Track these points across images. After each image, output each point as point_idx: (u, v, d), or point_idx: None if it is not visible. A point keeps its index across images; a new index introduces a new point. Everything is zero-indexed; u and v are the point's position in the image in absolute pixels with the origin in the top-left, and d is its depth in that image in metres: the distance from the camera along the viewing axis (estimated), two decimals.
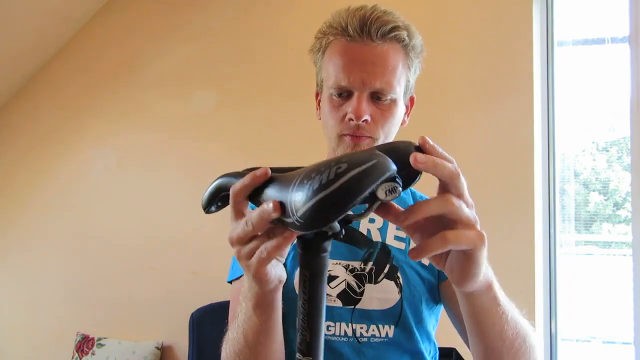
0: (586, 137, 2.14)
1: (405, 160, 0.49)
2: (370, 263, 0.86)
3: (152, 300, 2.34)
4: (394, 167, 0.47)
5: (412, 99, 0.94)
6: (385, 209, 0.52)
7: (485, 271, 0.57)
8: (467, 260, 0.53)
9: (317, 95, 0.94)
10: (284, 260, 0.60)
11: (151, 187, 2.41)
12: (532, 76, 1.95)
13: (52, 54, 2.63)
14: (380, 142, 0.84)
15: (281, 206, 0.48)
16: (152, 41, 2.52)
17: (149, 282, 2.36)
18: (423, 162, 0.49)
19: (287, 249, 0.54)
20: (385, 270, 0.86)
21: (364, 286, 0.85)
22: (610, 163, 2.15)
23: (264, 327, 0.66)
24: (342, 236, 0.52)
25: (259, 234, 0.52)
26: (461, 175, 0.52)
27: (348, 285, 0.85)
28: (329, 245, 0.51)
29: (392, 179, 0.47)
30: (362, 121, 0.81)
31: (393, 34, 0.81)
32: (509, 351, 0.67)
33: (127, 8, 2.57)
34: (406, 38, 0.82)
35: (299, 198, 0.45)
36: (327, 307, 0.84)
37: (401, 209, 0.51)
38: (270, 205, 0.48)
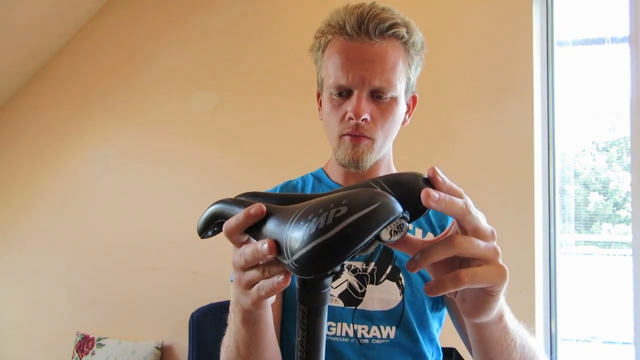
0: (586, 137, 2.14)
1: (414, 197, 0.46)
2: (373, 263, 0.86)
3: (152, 300, 2.34)
4: (399, 208, 0.43)
5: (414, 98, 0.93)
6: (397, 243, 0.49)
7: (500, 304, 0.53)
8: (484, 295, 0.50)
9: (318, 95, 0.93)
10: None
11: (151, 187, 2.41)
12: (532, 76, 1.95)
13: (52, 54, 2.63)
14: (378, 143, 0.84)
15: (277, 245, 0.44)
16: (152, 41, 2.51)
17: (149, 282, 2.36)
18: (436, 200, 0.45)
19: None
20: (388, 271, 0.86)
21: (365, 287, 0.85)
22: (610, 163, 2.15)
23: (253, 339, 0.66)
24: (341, 274, 0.49)
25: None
26: (472, 209, 0.48)
27: (350, 285, 0.85)
28: (330, 281, 0.47)
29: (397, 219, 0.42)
30: (362, 120, 0.80)
31: (392, 31, 0.80)
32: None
33: (127, 8, 2.57)
34: (405, 35, 0.81)
35: (295, 239, 0.41)
36: (329, 307, 0.83)
37: (414, 240, 0.48)
38: (265, 246, 0.45)
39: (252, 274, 0.51)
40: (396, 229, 0.43)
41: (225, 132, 2.34)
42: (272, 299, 0.59)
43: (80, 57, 2.61)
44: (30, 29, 2.39)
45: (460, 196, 0.49)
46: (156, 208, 2.39)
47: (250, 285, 0.53)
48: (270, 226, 0.46)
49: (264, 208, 0.47)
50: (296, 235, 0.41)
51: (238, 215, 0.49)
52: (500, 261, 0.49)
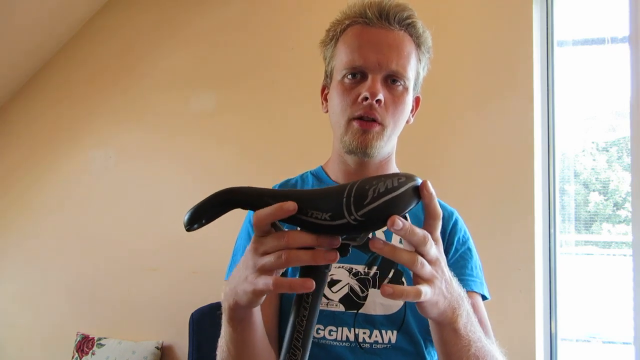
0: (586, 137, 2.14)
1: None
2: (375, 267, 0.85)
3: (152, 300, 2.34)
4: None
5: (418, 99, 0.94)
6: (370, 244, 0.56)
7: (445, 309, 0.61)
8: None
9: (323, 89, 0.94)
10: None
11: (151, 187, 2.41)
12: (532, 76, 1.94)
13: (51, 54, 2.63)
14: (387, 131, 0.84)
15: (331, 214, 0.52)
16: (152, 41, 2.51)
17: (149, 282, 2.36)
18: (399, 229, 0.52)
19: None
20: (390, 275, 0.85)
21: (367, 291, 0.84)
22: (610, 163, 2.15)
23: (240, 339, 0.67)
24: (349, 254, 0.56)
25: (280, 253, 0.54)
26: (428, 241, 0.56)
27: (351, 289, 0.84)
28: (331, 265, 0.56)
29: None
30: (376, 101, 0.81)
31: (409, 21, 0.84)
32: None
33: (126, 8, 2.57)
34: (420, 28, 0.86)
35: (361, 198, 0.51)
36: (329, 312, 0.83)
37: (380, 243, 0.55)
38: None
39: (270, 259, 0.55)
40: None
41: (225, 132, 2.34)
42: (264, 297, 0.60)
43: (80, 57, 2.61)
44: (30, 29, 2.39)
45: (437, 217, 0.58)
46: (156, 208, 2.39)
47: (263, 269, 0.56)
48: (313, 203, 0.54)
49: (296, 207, 0.54)
50: (361, 197, 0.51)
51: (270, 207, 0.54)
52: (436, 284, 0.58)
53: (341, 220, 0.51)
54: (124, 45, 2.55)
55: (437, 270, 0.58)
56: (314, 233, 0.54)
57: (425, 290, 0.56)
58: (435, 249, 0.58)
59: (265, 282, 0.55)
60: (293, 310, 0.56)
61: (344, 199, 0.52)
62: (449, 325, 0.63)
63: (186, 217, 0.57)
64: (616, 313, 2.02)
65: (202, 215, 0.57)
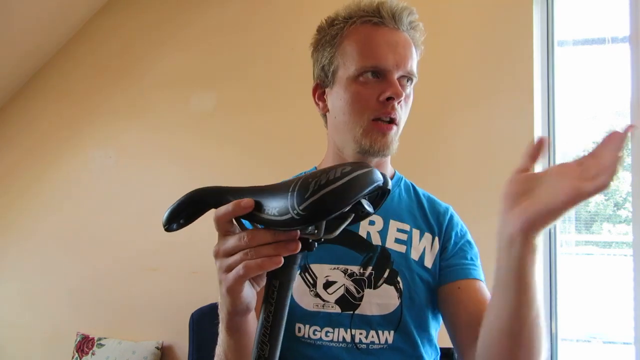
0: (586, 137, 2.14)
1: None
2: (370, 267, 0.85)
3: (152, 300, 2.34)
4: (382, 177, 0.54)
5: None
6: None
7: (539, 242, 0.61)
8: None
9: (315, 90, 0.92)
10: (259, 289, 0.61)
11: (151, 187, 2.41)
12: (532, 76, 1.94)
13: (51, 55, 2.62)
14: (400, 129, 0.86)
15: (278, 210, 0.52)
16: (151, 41, 2.51)
17: (149, 282, 2.36)
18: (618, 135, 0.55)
19: (260, 274, 0.56)
20: (385, 275, 0.84)
21: (363, 291, 0.83)
22: None
23: (237, 346, 0.68)
24: (314, 249, 0.55)
25: (246, 250, 0.54)
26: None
27: (347, 290, 0.83)
28: (299, 258, 0.56)
29: (373, 193, 0.54)
30: (398, 101, 0.82)
31: (415, 24, 0.86)
32: (531, 325, 0.64)
33: (126, 8, 2.57)
34: (420, 31, 0.87)
35: (302, 192, 0.50)
36: (325, 313, 0.83)
37: None
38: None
39: (236, 256, 0.55)
40: (369, 203, 0.54)
41: (225, 132, 2.34)
42: (251, 303, 0.60)
43: (80, 57, 2.61)
44: (29, 29, 2.39)
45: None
46: (156, 208, 2.37)
47: (230, 268, 0.56)
48: (266, 200, 0.53)
49: (253, 203, 0.54)
50: (303, 190, 0.50)
51: (228, 205, 0.55)
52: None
53: (287, 215, 0.51)
54: (124, 45, 2.55)
55: None
56: (271, 229, 0.54)
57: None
58: None
59: (234, 274, 0.55)
60: (262, 307, 0.56)
61: (289, 193, 0.51)
62: (534, 254, 0.61)
63: (164, 218, 0.59)
64: (616, 313, 2.01)
65: (178, 215, 0.59)
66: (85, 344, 2.31)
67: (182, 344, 2.22)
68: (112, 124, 2.52)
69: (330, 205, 0.49)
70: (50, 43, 2.57)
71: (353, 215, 0.56)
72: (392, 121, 0.82)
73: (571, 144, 2.08)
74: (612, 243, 2.12)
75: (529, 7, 1.97)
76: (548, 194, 0.56)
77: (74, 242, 2.50)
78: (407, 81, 0.85)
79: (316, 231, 0.55)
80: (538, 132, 1.96)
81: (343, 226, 0.56)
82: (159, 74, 2.47)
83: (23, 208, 2.61)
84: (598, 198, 2.13)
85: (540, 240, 0.61)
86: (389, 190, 0.57)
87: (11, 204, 2.63)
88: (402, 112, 0.84)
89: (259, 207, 0.54)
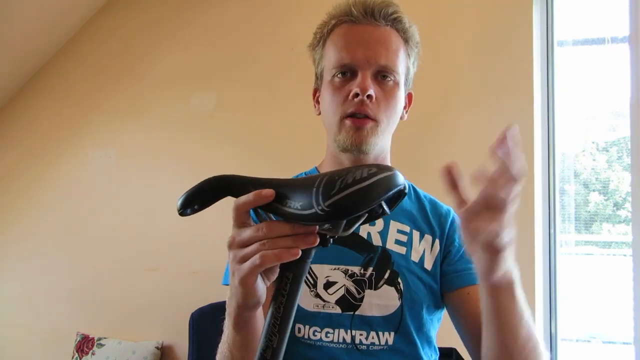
0: (586, 137, 2.14)
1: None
2: (371, 268, 0.84)
3: (152, 300, 2.34)
4: (404, 181, 0.56)
5: (410, 96, 0.94)
6: None
7: (510, 268, 0.62)
8: (491, 253, 0.60)
9: (314, 92, 0.94)
10: (269, 284, 0.60)
11: (152, 187, 2.41)
12: (532, 76, 1.94)
13: (52, 55, 2.62)
14: (382, 127, 0.84)
15: (302, 203, 0.53)
16: (151, 41, 2.51)
17: (149, 282, 2.36)
18: (507, 147, 0.56)
19: (274, 266, 0.56)
20: (386, 276, 0.84)
21: (363, 292, 0.83)
22: (610, 163, 2.15)
23: (243, 342, 0.67)
24: (330, 244, 0.56)
25: (263, 242, 0.54)
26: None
27: (347, 290, 0.83)
28: (313, 253, 0.57)
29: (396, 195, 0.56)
30: (367, 96, 0.80)
31: (395, 16, 0.84)
32: (521, 352, 0.68)
33: (126, 8, 2.57)
34: (406, 23, 0.86)
35: (329, 188, 0.51)
36: (326, 314, 0.82)
37: None
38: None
39: (252, 247, 0.55)
40: (390, 203, 0.56)
41: (225, 132, 2.34)
42: (262, 296, 0.59)
43: (80, 57, 2.61)
44: (29, 29, 2.39)
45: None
46: (156, 208, 2.39)
47: (245, 258, 0.55)
48: (288, 193, 0.54)
49: (274, 194, 0.54)
50: (329, 187, 0.51)
51: (249, 195, 0.55)
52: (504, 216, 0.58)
53: (310, 210, 0.51)
54: (124, 45, 2.55)
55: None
56: (289, 222, 0.54)
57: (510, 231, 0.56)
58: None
59: (250, 264, 0.54)
60: (272, 299, 0.56)
61: (314, 189, 0.52)
62: (508, 289, 0.64)
63: (179, 202, 0.59)
64: (616, 313, 2.01)
65: (195, 200, 0.59)
66: (85, 344, 2.31)
67: (182, 344, 2.22)
68: (112, 124, 2.52)
69: (355, 204, 0.50)
70: (50, 43, 2.57)
71: (367, 214, 0.57)
72: (367, 116, 0.82)
73: (571, 144, 2.08)
74: (611, 243, 2.12)
75: (528, 7, 1.98)
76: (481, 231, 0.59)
77: (74, 242, 2.50)
78: (385, 77, 0.83)
79: (333, 228, 0.56)
80: (538, 132, 1.97)
81: (358, 224, 0.57)
82: (159, 73, 2.47)
83: (23, 208, 2.61)
84: (598, 198, 2.13)
85: (510, 275, 0.64)
86: (406, 193, 0.58)
87: (11, 204, 2.63)
88: (380, 109, 0.83)
89: (279, 199, 0.54)
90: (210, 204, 0.59)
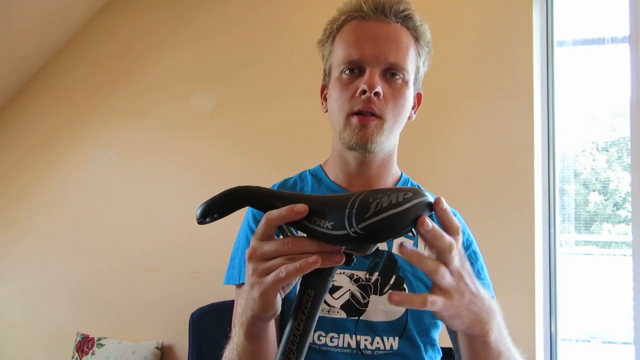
0: (586, 137, 2.14)
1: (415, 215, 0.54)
2: (376, 273, 0.83)
3: (152, 300, 2.34)
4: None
5: (419, 96, 0.93)
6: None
7: (473, 323, 0.60)
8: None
9: (322, 89, 0.93)
10: (284, 295, 0.60)
11: (152, 187, 2.41)
12: (532, 76, 1.94)
13: (51, 55, 2.62)
14: (388, 125, 0.82)
15: (333, 222, 0.52)
16: (152, 41, 2.51)
17: (149, 282, 2.36)
18: (428, 230, 0.52)
19: (295, 280, 0.56)
20: (392, 282, 0.83)
21: (368, 297, 0.82)
22: (610, 163, 2.15)
23: (255, 351, 0.67)
24: (352, 264, 0.55)
25: (287, 257, 0.54)
26: (454, 249, 0.55)
27: (352, 295, 0.82)
28: (335, 271, 0.57)
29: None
30: (374, 93, 0.79)
31: (406, 13, 0.83)
32: None
33: (126, 8, 2.57)
34: (417, 21, 0.85)
35: (363, 211, 0.50)
36: (330, 319, 0.82)
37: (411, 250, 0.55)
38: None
39: (275, 261, 0.54)
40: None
41: (225, 132, 2.34)
42: (278, 309, 0.59)
43: (80, 57, 2.61)
44: (29, 29, 2.39)
45: (456, 231, 0.55)
46: (156, 208, 2.39)
47: (267, 272, 0.55)
48: (318, 211, 0.53)
49: (307, 210, 0.53)
50: (364, 210, 0.50)
51: (282, 209, 0.54)
52: (457, 297, 0.56)
53: (342, 231, 0.51)
54: (124, 44, 2.55)
55: (459, 282, 0.56)
56: (315, 240, 0.53)
57: (434, 300, 0.54)
58: (458, 260, 0.56)
59: (273, 277, 0.54)
60: (291, 315, 0.56)
61: (347, 210, 0.51)
62: (479, 339, 0.62)
63: (199, 211, 0.58)
64: (616, 313, 2.02)
65: (214, 210, 0.58)
66: (85, 343, 2.31)
67: (182, 344, 2.22)
68: (112, 124, 2.52)
69: (390, 228, 0.50)
70: (50, 43, 2.57)
71: None
72: (374, 114, 0.80)
73: (571, 144, 2.08)
74: (611, 243, 2.12)
75: (528, 7, 1.98)
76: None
77: (74, 242, 2.50)
78: (393, 75, 0.82)
79: (361, 249, 0.55)
80: (538, 132, 1.97)
81: (379, 243, 0.56)
82: (159, 73, 2.47)
83: (23, 208, 2.61)
84: (598, 198, 2.13)
85: (482, 328, 0.61)
86: (432, 216, 0.57)
87: (11, 204, 2.63)
88: (388, 107, 0.81)
89: (308, 216, 0.53)
90: (229, 214, 0.58)
